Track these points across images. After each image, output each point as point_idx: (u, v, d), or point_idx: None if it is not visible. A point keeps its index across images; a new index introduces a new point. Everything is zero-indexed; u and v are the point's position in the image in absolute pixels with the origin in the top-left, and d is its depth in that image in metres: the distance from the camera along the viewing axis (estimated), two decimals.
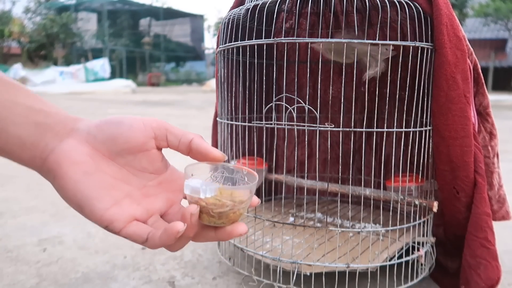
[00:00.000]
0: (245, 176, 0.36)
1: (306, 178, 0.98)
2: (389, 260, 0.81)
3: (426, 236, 0.86)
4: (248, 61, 0.97)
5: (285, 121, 0.80)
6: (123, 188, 0.36)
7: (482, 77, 0.83)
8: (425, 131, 0.81)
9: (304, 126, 0.77)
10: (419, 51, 0.79)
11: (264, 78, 0.88)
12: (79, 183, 0.34)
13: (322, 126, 0.76)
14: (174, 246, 0.35)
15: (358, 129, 0.78)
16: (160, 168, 0.39)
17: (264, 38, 0.85)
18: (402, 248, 0.85)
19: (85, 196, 0.34)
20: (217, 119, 0.98)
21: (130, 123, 0.36)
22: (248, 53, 0.98)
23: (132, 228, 0.34)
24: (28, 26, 19.92)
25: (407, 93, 0.88)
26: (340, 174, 1.10)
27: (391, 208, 0.85)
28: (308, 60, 0.89)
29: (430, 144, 0.82)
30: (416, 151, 0.80)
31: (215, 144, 1.09)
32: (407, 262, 0.81)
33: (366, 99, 0.91)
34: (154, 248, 0.34)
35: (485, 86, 0.84)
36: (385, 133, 0.84)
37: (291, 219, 1.03)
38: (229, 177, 0.37)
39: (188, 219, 0.33)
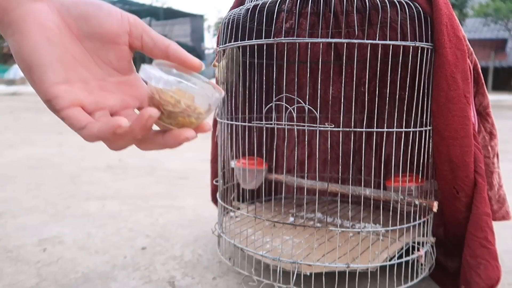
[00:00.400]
0: (213, 92, 0.34)
1: (306, 178, 0.98)
2: (389, 260, 0.81)
3: (426, 236, 0.86)
4: (248, 61, 0.97)
5: (285, 121, 0.80)
6: (80, 72, 0.34)
7: (482, 77, 0.83)
8: (425, 131, 0.81)
9: (304, 126, 0.77)
10: (419, 51, 0.79)
11: (264, 78, 0.88)
12: (38, 46, 0.32)
13: (322, 126, 0.76)
14: (114, 143, 0.33)
15: (358, 129, 0.78)
16: (125, 68, 0.37)
17: (264, 38, 0.85)
18: (402, 248, 0.85)
19: (41, 61, 0.32)
20: (217, 119, 0.98)
21: (108, 9, 0.35)
22: (248, 53, 0.98)
23: (73, 112, 0.32)
24: None
25: (407, 93, 0.88)
26: (340, 174, 1.10)
27: (391, 208, 0.85)
28: (308, 60, 0.89)
29: (430, 144, 0.82)
30: (416, 151, 0.80)
31: (215, 144, 1.09)
32: (407, 262, 0.81)
33: (366, 99, 0.91)
34: (90, 139, 0.32)
35: (485, 86, 0.84)
36: (385, 133, 0.84)
37: (291, 219, 1.03)
38: (196, 87, 0.35)
39: (144, 120, 0.30)
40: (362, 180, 0.92)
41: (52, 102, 0.32)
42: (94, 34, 0.34)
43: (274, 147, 1.07)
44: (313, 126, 0.76)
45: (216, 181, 1.05)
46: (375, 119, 0.91)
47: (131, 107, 0.37)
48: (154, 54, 0.36)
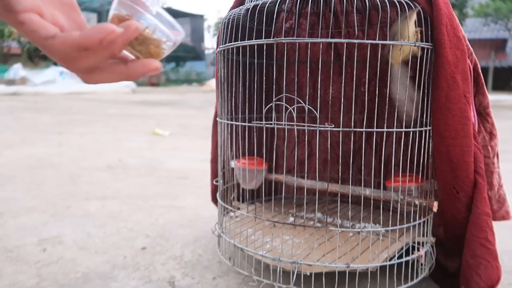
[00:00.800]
0: (179, 31, 0.34)
1: (306, 178, 0.98)
2: (389, 260, 0.81)
3: (426, 236, 0.86)
4: (248, 61, 0.97)
5: (285, 121, 0.80)
6: None
7: (482, 77, 0.83)
8: (425, 131, 0.81)
9: (304, 126, 0.77)
10: (419, 51, 0.79)
11: (264, 78, 0.88)
12: None
13: (322, 126, 0.76)
14: (80, 60, 0.30)
15: (358, 129, 0.78)
16: None
17: (264, 38, 0.85)
18: (402, 248, 0.85)
19: None
20: (217, 119, 0.98)
21: None
22: (248, 53, 0.98)
23: (36, 17, 0.30)
24: None
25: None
26: (340, 174, 1.10)
27: (391, 208, 0.85)
28: (308, 60, 0.89)
29: (430, 144, 0.82)
30: (416, 151, 0.80)
31: (215, 144, 1.10)
32: (407, 262, 0.81)
33: (366, 99, 0.91)
34: (60, 48, 0.29)
35: (485, 86, 0.84)
36: (385, 133, 0.84)
37: (291, 219, 1.03)
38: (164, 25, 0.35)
39: (130, 31, 0.29)
40: (362, 180, 0.92)
41: (11, 2, 0.29)
42: None
43: (274, 147, 1.07)
44: (313, 126, 0.76)
45: (216, 181, 1.05)
46: (375, 119, 0.91)
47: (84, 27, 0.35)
48: None
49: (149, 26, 0.32)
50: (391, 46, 0.78)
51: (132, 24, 0.29)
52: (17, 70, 11.92)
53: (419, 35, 0.76)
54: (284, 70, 0.82)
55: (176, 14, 24.02)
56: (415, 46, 0.76)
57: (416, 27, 0.76)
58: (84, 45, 0.29)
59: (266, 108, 0.86)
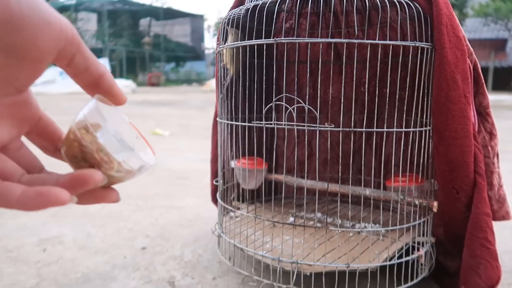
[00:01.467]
0: (149, 160, 0.30)
1: (306, 178, 0.98)
2: (389, 260, 0.81)
3: (426, 236, 0.86)
4: (248, 61, 0.97)
5: (285, 121, 0.80)
6: None
7: (482, 77, 0.83)
8: (425, 131, 0.81)
9: (304, 126, 0.77)
10: (419, 51, 0.79)
11: (264, 78, 0.88)
12: None
13: (322, 126, 0.76)
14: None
15: (358, 129, 0.78)
16: (26, 87, 0.28)
17: (264, 38, 0.85)
18: (402, 248, 0.85)
19: None
20: (217, 119, 0.98)
21: (49, 17, 0.25)
22: (248, 53, 0.98)
23: None
24: None
25: (407, 93, 0.88)
26: (340, 174, 1.10)
27: (391, 208, 0.85)
28: (308, 60, 0.89)
29: (430, 144, 0.82)
30: (416, 151, 0.80)
31: (215, 144, 1.09)
32: (407, 262, 0.81)
33: (366, 99, 0.91)
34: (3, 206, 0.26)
35: (485, 86, 0.84)
36: (385, 133, 0.84)
37: (291, 219, 1.03)
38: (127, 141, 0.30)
39: (91, 182, 0.26)
40: (362, 180, 0.92)
41: None
42: (16, 49, 0.25)
43: (274, 147, 1.07)
44: (313, 126, 0.76)
45: (216, 181, 1.05)
46: (375, 119, 0.91)
47: (19, 135, 0.31)
48: (80, 79, 0.29)
49: (107, 144, 0.27)
50: None
51: (59, 197, 0.25)
52: None
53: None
54: (284, 70, 0.82)
55: (176, 14, 24.03)
56: (415, 45, 0.76)
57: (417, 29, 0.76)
58: (28, 209, 0.25)
59: (266, 108, 0.86)
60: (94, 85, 0.30)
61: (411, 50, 0.79)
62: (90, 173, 0.26)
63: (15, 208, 0.25)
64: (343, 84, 0.79)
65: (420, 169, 0.83)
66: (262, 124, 0.81)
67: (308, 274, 0.80)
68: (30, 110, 0.30)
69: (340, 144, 1.09)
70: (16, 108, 0.29)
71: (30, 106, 0.30)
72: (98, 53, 18.54)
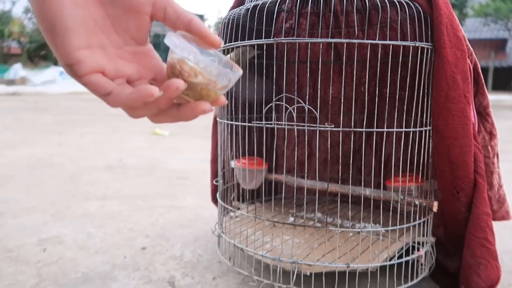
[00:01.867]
0: (232, 69, 0.34)
1: (306, 178, 0.98)
2: (389, 260, 0.81)
3: (426, 236, 0.86)
4: (248, 61, 0.97)
5: (285, 121, 0.80)
6: (100, 38, 0.33)
7: (482, 77, 0.83)
8: (425, 131, 0.81)
9: (304, 126, 0.77)
10: (419, 51, 0.79)
11: (264, 78, 0.88)
12: (64, 7, 0.31)
13: (322, 126, 0.76)
14: (137, 111, 0.34)
15: (358, 129, 0.78)
16: (142, 39, 0.36)
17: (264, 38, 0.85)
18: (402, 248, 0.85)
19: (65, 23, 0.31)
20: (217, 119, 0.98)
21: None
22: (248, 53, 0.98)
23: (96, 77, 0.32)
24: (28, 26, 19.90)
25: (407, 93, 0.88)
26: (340, 174, 1.10)
27: (391, 208, 0.85)
28: (308, 60, 0.89)
29: (430, 144, 0.82)
30: (416, 151, 0.80)
31: (215, 144, 1.09)
32: (407, 262, 0.81)
33: (366, 99, 0.91)
34: (115, 105, 0.32)
35: (485, 86, 0.84)
36: (385, 133, 0.84)
37: (291, 219, 1.03)
38: (216, 63, 0.35)
39: (171, 90, 0.31)
40: (362, 180, 0.92)
41: (73, 67, 0.32)
42: (118, 0, 0.33)
43: (274, 147, 1.07)
44: (313, 126, 0.76)
45: (216, 181, 1.05)
46: (375, 119, 0.91)
47: (146, 78, 0.37)
48: (176, 27, 0.35)
49: (199, 64, 0.32)
50: None
51: (172, 84, 0.31)
52: (17, 70, 11.92)
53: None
54: (284, 70, 0.82)
55: None
56: (415, 45, 0.76)
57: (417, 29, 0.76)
58: (129, 104, 0.33)
59: (266, 108, 0.86)
60: (187, 30, 0.35)
61: (411, 50, 0.79)
62: (173, 81, 0.32)
63: (125, 102, 0.32)
64: (343, 84, 0.80)
65: (420, 169, 0.83)
66: (262, 124, 0.81)
67: (308, 274, 0.80)
68: (152, 61, 0.37)
69: (340, 144, 1.09)
70: (140, 57, 0.36)
71: (151, 57, 0.37)
72: None
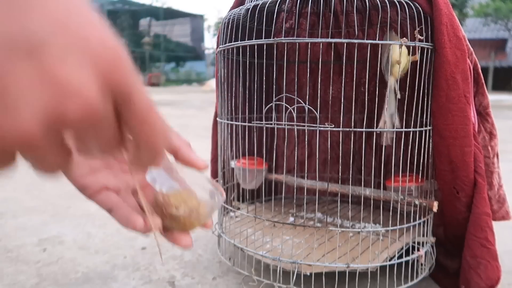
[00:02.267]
0: (216, 195, 0.35)
1: (306, 178, 0.98)
2: (389, 260, 0.81)
3: (426, 236, 0.86)
4: (248, 61, 0.97)
5: (285, 121, 0.80)
6: (105, 160, 0.37)
7: (482, 77, 0.83)
8: (425, 131, 0.81)
9: (304, 126, 0.77)
10: (419, 51, 0.79)
11: (264, 78, 0.88)
12: None
13: (322, 126, 0.76)
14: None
15: (358, 129, 0.78)
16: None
17: (264, 38, 0.85)
18: (402, 248, 0.85)
19: None
20: (217, 119, 0.98)
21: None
22: (248, 53, 0.98)
23: (100, 197, 0.36)
24: None
25: (407, 93, 0.88)
26: (340, 174, 1.10)
27: (391, 208, 0.85)
28: (308, 60, 0.89)
29: (430, 144, 0.82)
30: (416, 151, 0.80)
31: (215, 144, 1.09)
32: (407, 262, 0.81)
33: (366, 99, 0.91)
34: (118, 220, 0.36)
35: (485, 86, 0.84)
36: (385, 133, 0.84)
37: (291, 219, 1.03)
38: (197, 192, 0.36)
39: (150, 228, 0.33)
40: (362, 180, 0.92)
41: (82, 192, 0.36)
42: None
43: (274, 147, 1.07)
44: (313, 126, 0.76)
45: (216, 181, 1.05)
46: (375, 119, 0.91)
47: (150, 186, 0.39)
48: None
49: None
50: (388, 65, 0.79)
51: (136, 223, 0.33)
52: None
53: (418, 35, 0.76)
54: (284, 70, 0.82)
55: (176, 14, 24.05)
56: (415, 45, 0.76)
57: (417, 28, 0.76)
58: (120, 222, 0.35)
59: (266, 108, 0.86)
60: (174, 156, 0.36)
61: (411, 50, 0.79)
62: (154, 220, 0.34)
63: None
64: (343, 84, 0.80)
65: (420, 169, 0.83)
66: (262, 124, 0.81)
67: (308, 274, 0.80)
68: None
69: (340, 144, 1.09)
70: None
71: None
72: None
